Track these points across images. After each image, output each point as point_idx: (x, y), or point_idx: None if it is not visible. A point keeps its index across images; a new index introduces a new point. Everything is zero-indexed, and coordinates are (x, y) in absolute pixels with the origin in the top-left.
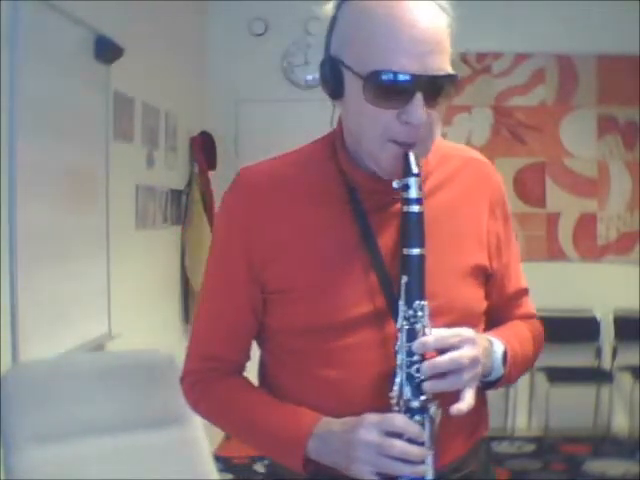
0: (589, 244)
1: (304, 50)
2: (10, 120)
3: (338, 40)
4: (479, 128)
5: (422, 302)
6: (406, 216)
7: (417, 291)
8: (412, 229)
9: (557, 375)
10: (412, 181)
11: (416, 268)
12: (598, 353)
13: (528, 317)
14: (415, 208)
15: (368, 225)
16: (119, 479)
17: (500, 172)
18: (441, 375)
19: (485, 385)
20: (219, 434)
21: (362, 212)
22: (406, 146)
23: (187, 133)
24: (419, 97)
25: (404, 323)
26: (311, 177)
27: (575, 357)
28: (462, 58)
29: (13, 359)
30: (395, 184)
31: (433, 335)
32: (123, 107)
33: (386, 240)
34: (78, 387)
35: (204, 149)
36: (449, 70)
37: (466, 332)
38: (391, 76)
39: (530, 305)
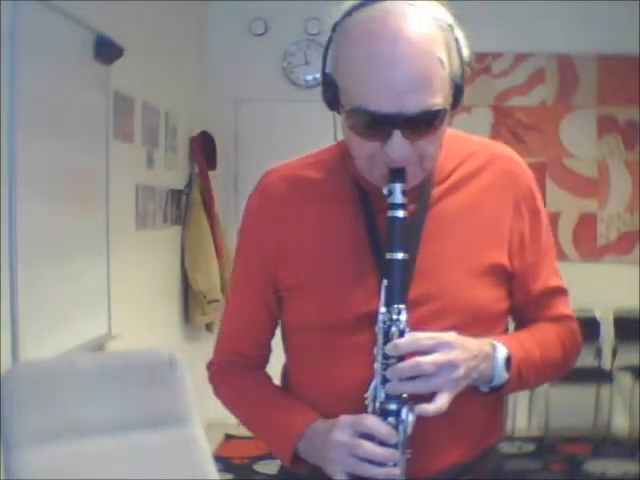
0: (589, 244)
1: (304, 50)
2: (10, 120)
3: (332, 62)
4: (479, 128)
5: (400, 306)
6: (390, 220)
7: (397, 295)
8: (395, 233)
9: None
10: (397, 187)
11: (397, 272)
12: (598, 353)
13: (559, 318)
14: (399, 213)
15: (374, 225)
16: (119, 479)
17: None
18: (410, 378)
19: (492, 390)
20: (219, 434)
21: (371, 212)
22: (394, 170)
23: (187, 133)
24: (397, 134)
25: (382, 326)
26: (325, 180)
27: None
28: None
29: (13, 359)
30: (385, 190)
31: (405, 338)
32: (123, 107)
33: None
34: (78, 387)
35: (204, 149)
36: (433, 105)
37: (446, 336)
38: (367, 115)
39: (562, 305)
